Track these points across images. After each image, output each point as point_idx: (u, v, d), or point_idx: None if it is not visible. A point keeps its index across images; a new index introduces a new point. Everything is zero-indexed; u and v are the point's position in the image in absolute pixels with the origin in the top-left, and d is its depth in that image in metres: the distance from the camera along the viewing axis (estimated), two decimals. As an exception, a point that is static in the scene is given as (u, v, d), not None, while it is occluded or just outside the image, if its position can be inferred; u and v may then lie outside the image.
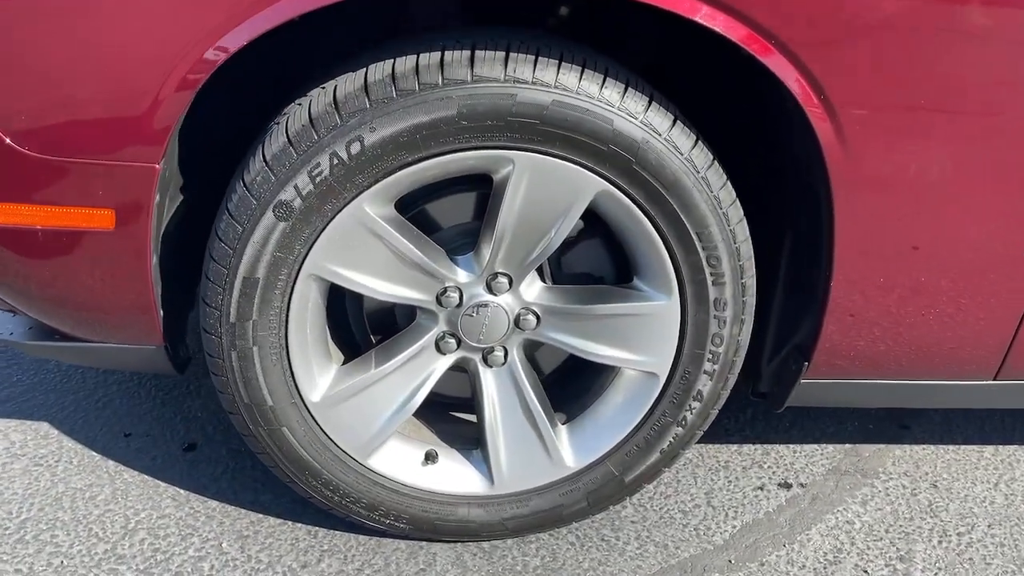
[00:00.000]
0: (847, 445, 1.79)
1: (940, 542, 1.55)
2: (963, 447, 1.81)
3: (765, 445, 1.77)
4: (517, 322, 1.32)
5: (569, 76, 1.15)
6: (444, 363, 1.35)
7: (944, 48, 1.13)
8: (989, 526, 1.59)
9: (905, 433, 1.83)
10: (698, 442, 1.67)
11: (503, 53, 1.14)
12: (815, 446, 1.78)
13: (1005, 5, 1.11)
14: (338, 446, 1.34)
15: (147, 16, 1.06)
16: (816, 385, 1.46)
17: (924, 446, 1.80)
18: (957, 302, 1.37)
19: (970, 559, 1.52)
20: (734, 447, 1.76)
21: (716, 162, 1.24)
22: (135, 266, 1.20)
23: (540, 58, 1.15)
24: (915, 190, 1.23)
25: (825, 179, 1.21)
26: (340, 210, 1.18)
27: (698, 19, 1.09)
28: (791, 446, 1.78)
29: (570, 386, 1.47)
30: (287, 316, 1.24)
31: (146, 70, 1.08)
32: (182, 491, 1.54)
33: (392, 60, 1.15)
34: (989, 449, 1.81)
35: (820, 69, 1.12)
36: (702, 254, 1.25)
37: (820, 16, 1.09)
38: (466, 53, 1.14)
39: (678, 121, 1.20)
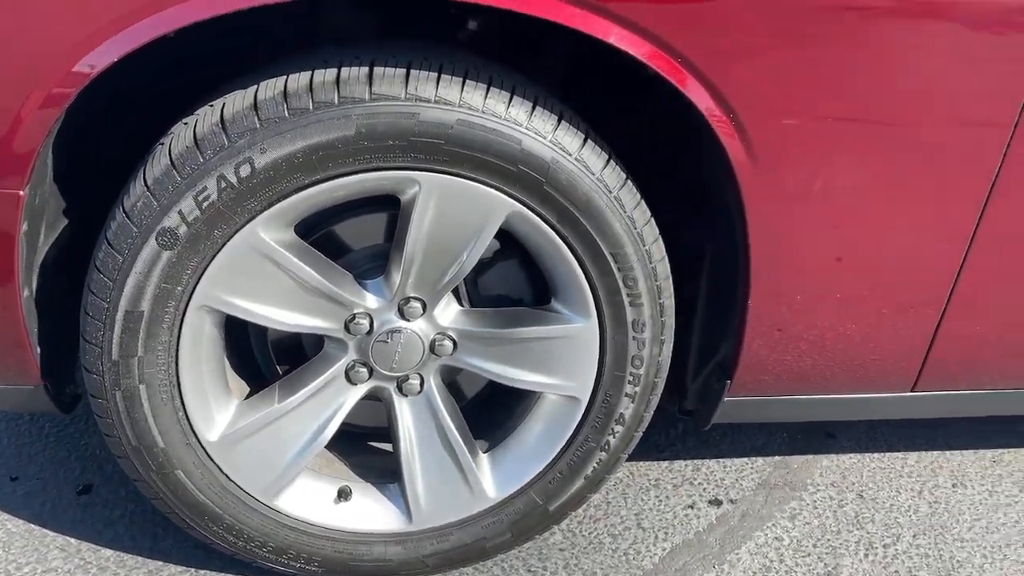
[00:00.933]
0: (777, 457, 1.78)
1: (867, 555, 1.55)
2: (887, 454, 1.82)
3: (696, 460, 1.75)
4: (432, 348, 1.26)
5: (474, 94, 1.09)
6: (356, 394, 1.28)
7: (848, 59, 1.12)
8: (914, 536, 1.60)
9: (832, 442, 1.84)
10: (629, 460, 1.64)
11: (404, 70, 1.08)
12: (745, 459, 1.76)
13: (901, 16, 1.10)
14: (240, 488, 1.25)
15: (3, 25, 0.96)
16: (740, 402, 1.44)
17: (850, 455, 1.80)
18: (879, 313, 1.36)
19: (896, 572, 1.52)
20: (665, 464, 1.73)
21: (629, 181, 1.20)
22: (3, 300, 1.09)
23: (443, 75, 1.09)
24: (827, 202, 1.22)
25: (737, 195, 1.18)
26: (231, 236, 1.10)
27: (598, 36, 1.04)
28: (722, 460, 1.76)
29: (493, 412, 1.42)
30: (177, 351, 1.15)
31: (2, 85, 0.98)
32: (73, 540, 1.42)
33: (284, 77, 1.08)
34: (913, 456, 1.82)
35: (725, 85, 1.09)
36: (618, 275, 1.21)
37: (723, 31, 1.06)
38: (364, 70, 1.08)
39: (589, 140, 1.16)
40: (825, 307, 1.34)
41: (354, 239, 1.28)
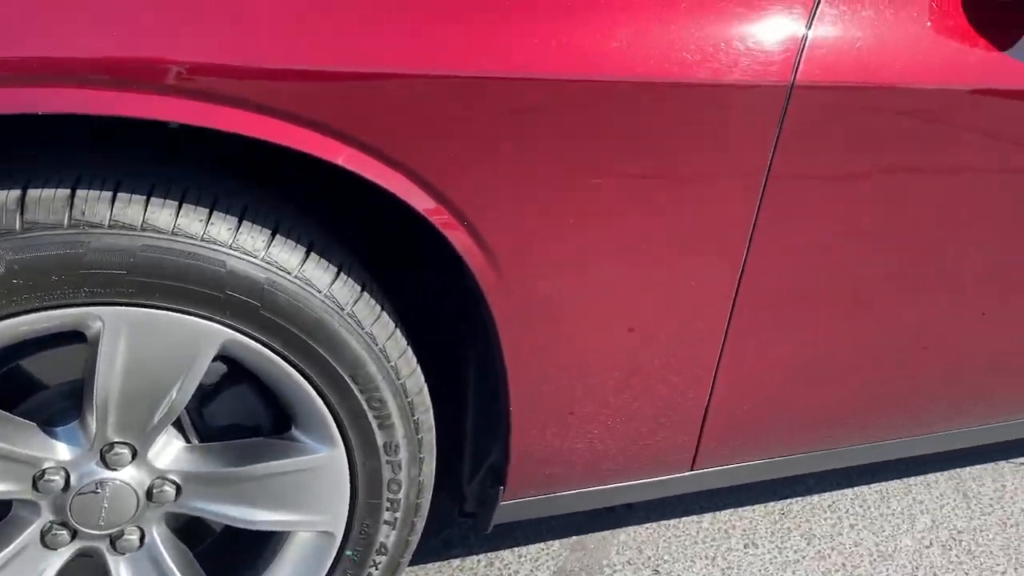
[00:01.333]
0: (573, 538, 1.72)
1: (660, 641, 1.51)
2: (683, 520, 1.81)
3: (490, 554, 1.66)
4: (150, 496, 1.08)
5: (161, 213, 0.94)
6: (58, 560, 1.07)
7: (585, 146, 1.06)
8: (706, 611, 1.59)
9: (630, 514, 1.81)
10: (418, 562, 1.52)
11: (67, 191, 0.91)
12: (541, 545, 1.69)
13: (640, 101, 1.07)
14: None
15: None
16: (520, 503, 1.37)
17: (647, 525, 1.78)
18: (652, 392, 1.33)
19: (688, 654, 1.49)
20: (456, 562, 1.62)
21: (366, 293, 1.09)
22: None
23: (120, 194, 0.92)
24: (572, 286, 1.15)
25: (480, 294, 1.10)
26: None
27: (286, 143, 0.92)
28: (516, 550, 1.67)
29: (240, 551, 1.24)
30: None
31: None
32: None
33: (-95, 206, 0.87)
34: (707, 518, 1.83)
35: (448, 188, 1.00)
36: (360, 397, 1.09)
37: (440, 132, 0.97)
38: (14, 194, 0.89)
39: (312, 254, 1.03)
40: (599, 395, 1.29)
41: (47, 375, 1.07)
